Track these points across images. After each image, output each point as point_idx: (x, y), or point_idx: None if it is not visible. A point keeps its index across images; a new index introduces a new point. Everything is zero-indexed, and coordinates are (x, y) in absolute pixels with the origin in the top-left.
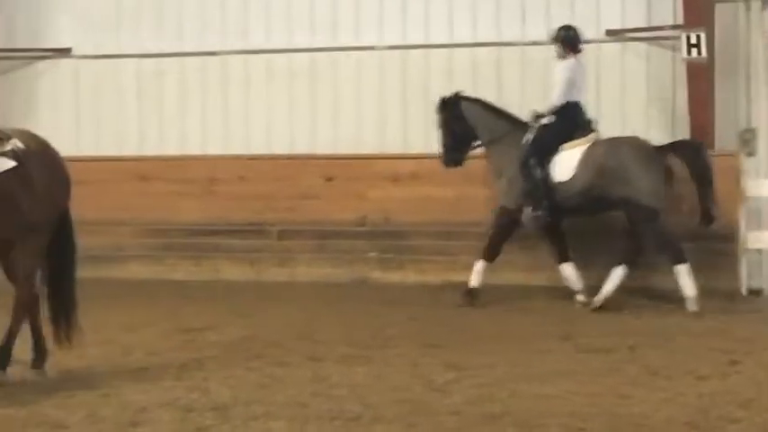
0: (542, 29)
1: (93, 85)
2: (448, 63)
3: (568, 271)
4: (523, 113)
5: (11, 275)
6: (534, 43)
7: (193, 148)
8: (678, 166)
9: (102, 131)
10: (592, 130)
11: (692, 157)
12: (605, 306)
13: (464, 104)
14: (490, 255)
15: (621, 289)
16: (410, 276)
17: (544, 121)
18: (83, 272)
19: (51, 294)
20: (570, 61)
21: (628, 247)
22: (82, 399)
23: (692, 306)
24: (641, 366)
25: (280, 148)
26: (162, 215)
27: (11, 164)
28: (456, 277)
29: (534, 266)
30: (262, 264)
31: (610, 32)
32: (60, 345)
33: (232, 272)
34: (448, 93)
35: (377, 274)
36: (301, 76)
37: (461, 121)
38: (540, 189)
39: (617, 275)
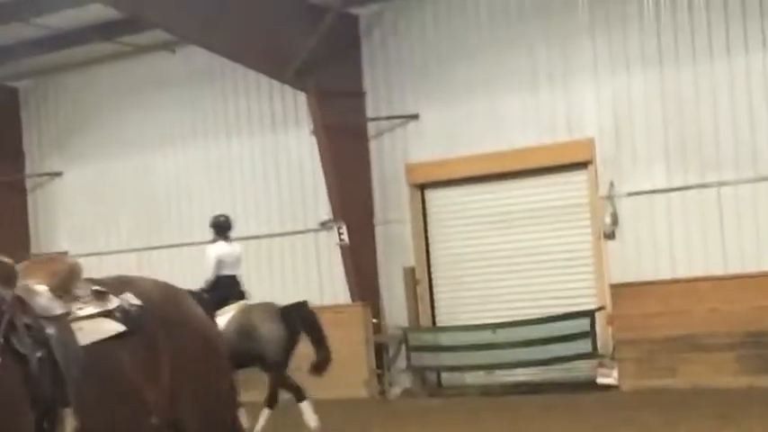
0: None
1: None
2: None
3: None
4: None
5: None
6: None
7: None
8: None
9: None
10: (242, 299)
11: (303, 317)
12: None
13: None
14: None
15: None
16: None
17: (204, 294)
18: None
19: None
20: (219, 244)
21: (268, 393)
22: None
23: None
24: None
25: None
26: None
27: (117, 328)
28: None
29: None
30: None
31: None
32: None
33: None
34: None
35: None
36: None
37: None
38: None
39: (264, 416)
